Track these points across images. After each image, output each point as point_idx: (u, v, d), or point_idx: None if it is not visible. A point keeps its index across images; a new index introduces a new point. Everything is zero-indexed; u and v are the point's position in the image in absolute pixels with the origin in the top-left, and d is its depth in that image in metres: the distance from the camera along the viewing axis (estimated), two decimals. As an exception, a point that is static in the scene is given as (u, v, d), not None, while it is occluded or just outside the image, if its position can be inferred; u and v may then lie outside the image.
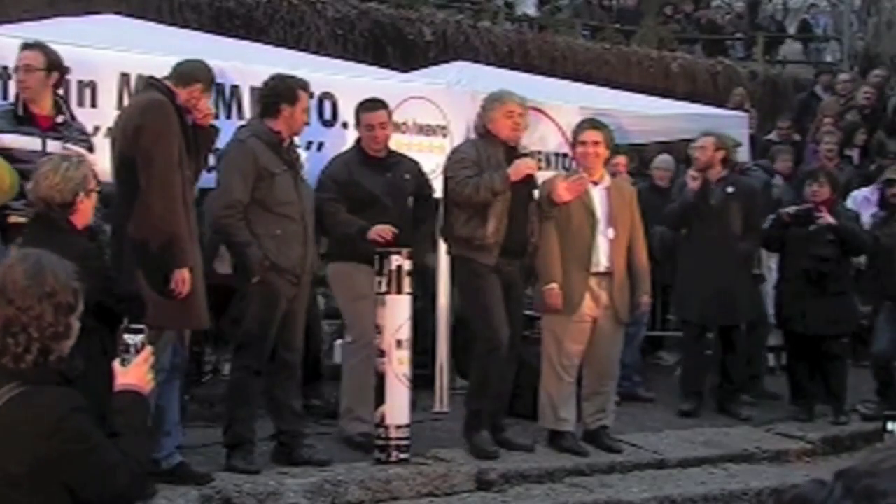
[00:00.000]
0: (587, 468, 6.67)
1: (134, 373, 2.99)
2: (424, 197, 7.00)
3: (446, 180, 6.69)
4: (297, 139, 6.37)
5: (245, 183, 5.95)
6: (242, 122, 6.46)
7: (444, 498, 6.17)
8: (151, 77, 5.87)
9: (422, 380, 7.94)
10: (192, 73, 5.76)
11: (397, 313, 6.33)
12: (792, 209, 8.17)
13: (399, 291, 6.33)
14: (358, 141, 6.77)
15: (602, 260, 6.90)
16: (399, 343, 6.32)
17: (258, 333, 6.02)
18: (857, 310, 8.48)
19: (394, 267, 6.31)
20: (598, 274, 6.89)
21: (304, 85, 6.18)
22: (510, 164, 6.60)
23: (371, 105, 6.72)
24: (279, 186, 6.02)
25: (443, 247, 7.62)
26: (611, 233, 6.92)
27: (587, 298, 6.85)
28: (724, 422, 7.98)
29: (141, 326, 3.12)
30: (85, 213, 4.92)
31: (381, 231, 6.40)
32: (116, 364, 3.02)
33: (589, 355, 6.95)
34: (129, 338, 3.05)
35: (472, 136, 7.01)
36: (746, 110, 12.24)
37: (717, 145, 7.99)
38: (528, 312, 7.57)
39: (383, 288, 6.33)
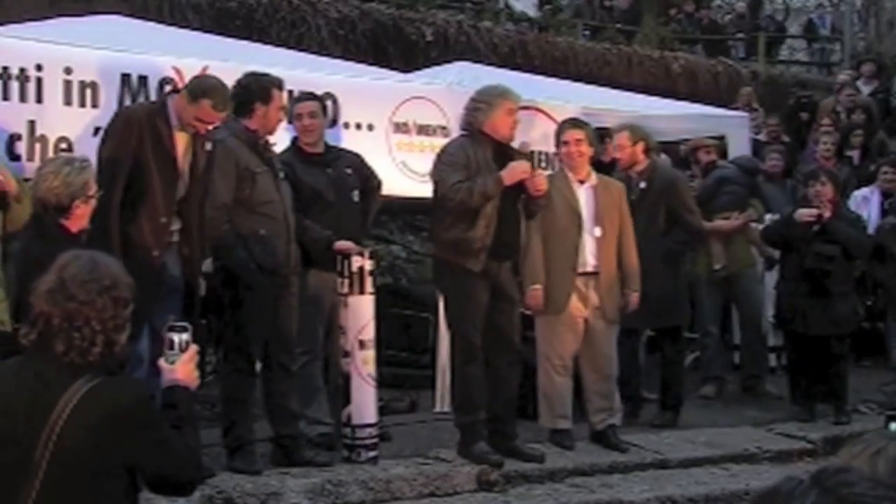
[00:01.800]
0: (589, 468, 6.67)
1: (181, 370, 3.10)
2: (370, 190, 6.82)
3: (435, 184, 6.47)
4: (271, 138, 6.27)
5: (227, 184, 5.90)
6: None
7: (446, 498, 6.17)
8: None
9: (424, 380, 7.96)
10: (202, 89, 5.80)
11: (360, 314, 6.28)
12: (809, 212, 7.88)
13: (362, 292, 6.28)
14: (294, 140, 6.61)
15: (589, 259, 6.87)
16: (362, 343, 6.27)
17: (247, 336, 5.98)
18: (859, 310, 8.47)
19: (355, 268, 6.25)
20: (585, 274, 6.86)
21: (278, 83, 6.11)
22: (499, 162, 6.39)
23: (302, 97, 6.59)
24: (261, 186, 5.97)
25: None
26: (597, 231, 6.88)
27: (575, 299, 6.83)
28: (726, 422, 7.98)
29: (185, 325, 3.19)
30: (81, 217, 4.93)
31: (348, 248, 6.31)
32: (162, 361, 3.11)
33: (584, 355, 6.95)
34: (174, 336, 3.13)
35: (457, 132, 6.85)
36: (754, 109, 12.24)
37: (633, 139, 7.59)
38: (527, 312, 7.54)
39: (345, 289, 6.27)
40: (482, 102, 6.46)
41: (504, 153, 6.47)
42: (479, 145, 6.41)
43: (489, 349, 6.44)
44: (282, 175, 6.17)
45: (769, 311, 9.44)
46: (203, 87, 5.82)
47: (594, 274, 6.89)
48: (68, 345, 2.87)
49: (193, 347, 3.14)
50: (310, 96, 6.64)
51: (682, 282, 7.83)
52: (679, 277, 7.77)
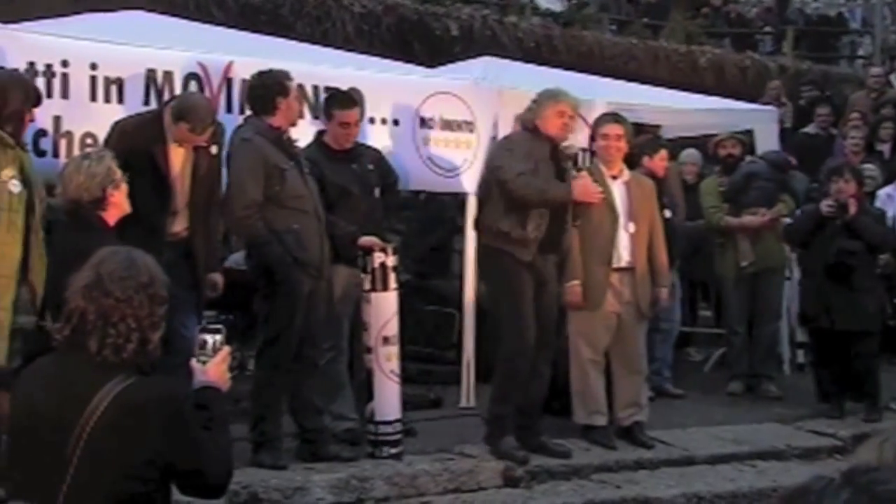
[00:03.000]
0: (614, 464, 6.63)
1: (213, 371, 3.06)
2: (388, 185, 6.87)
3: (494, 169, 6.46)
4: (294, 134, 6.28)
5: (257, 182, 5.91)
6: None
7: (471, 494, 6.14)
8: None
9: (449, 376, 7.94)
10: (180, 111, 5.87)
11: (383, 310, 6.28)
12: (829, 203, 7.85)
13: (385, 288, 6.27)
14: (319, 135, 6.60)
15: (623, 255, 6.87)
16: (385, 339, 6.26)
17: (283, 331, 5.98)
18: (886, 306, 8.36)
19: (377, 264, 6.24)
20: (619, 269, 6.86)
21: (287, 75, 6.15)
22: (554, 161, 6.47)
23: (346, 102, 6.58)
24: (290, 182, 5.97)
25: (470, 238, 7.60)
26: (631, 227, 6.88)
27: (609, 294, 6.82)
28: (753, 418, 7.92)
29: (218, 326, 3.15)
30: (118, 205, 4.94)
31: (371, 243, 6.30)
32: (194, 362, 3.07)
33: (615, 351, 6.93)
34: (207, 337, 3.09)
35: (502, 130, 6.91)
36: (783, 104, 12.14)
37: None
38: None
39: (367, 286, 6.27)
40: (533, 102, 6.57)
41: (558, 155, 6.53)
42: (538, 141, 6.48)
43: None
44: (307, 170, 6.17)
45: (797, 308, 9.36)
46: (182, 108, 5.89)
47: (628, 269, 6.87)
48: (102, 342, 2.84)
49: (226, 349, 3.10)
50: (354, 101, 6.63)
51: None
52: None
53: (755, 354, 8.80)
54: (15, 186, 5.48)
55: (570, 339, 6.95)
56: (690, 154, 9.45)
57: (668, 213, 7.94)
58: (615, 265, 6.84)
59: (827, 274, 7.82)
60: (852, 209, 7.78)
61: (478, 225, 6.78)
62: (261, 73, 6.16)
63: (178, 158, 5.92)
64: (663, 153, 8.29)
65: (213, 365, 3.06)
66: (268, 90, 6.05)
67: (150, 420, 2.81)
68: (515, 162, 6.37)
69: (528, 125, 6.56)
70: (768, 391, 8.59)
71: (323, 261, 6.10)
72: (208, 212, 6.14)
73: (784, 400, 8.45)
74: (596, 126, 7.06)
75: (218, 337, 3.10)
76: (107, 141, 5.86)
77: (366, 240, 6.33)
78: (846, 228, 7.79)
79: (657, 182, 7.88)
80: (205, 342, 3.09)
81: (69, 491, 2.81)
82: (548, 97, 6.54)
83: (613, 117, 7.05)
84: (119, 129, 5.89)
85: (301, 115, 6.32)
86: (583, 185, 6.49)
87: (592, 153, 7.12)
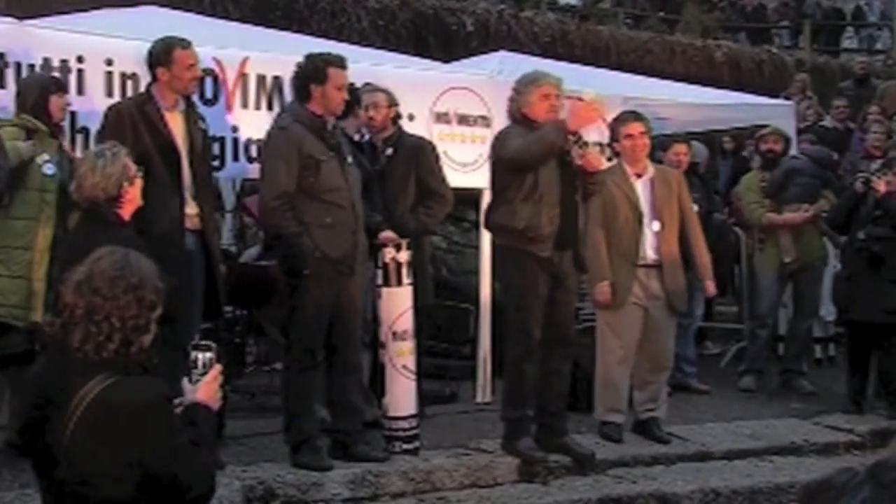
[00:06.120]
0: (631, 460, 6.61)
1: (203, 390, 3.02)
2: None
3: (496, 161, 6.31)
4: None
5: (290, 171, 5.75)
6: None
7: (487, 489, 6.13)
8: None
9: (464, 371, 7.94)
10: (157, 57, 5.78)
11: (394, 305, 6.23)
12: (862, 177, 7.82)
13: (399, 284, 6.23)
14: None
15: (649, 252, 6.83)
16: (396, 335, 6.22)
17: (311, 328, 5.84)
18: None
19: (387, 259, 6.19)
20: (645, 266, 6.82)
21: (335, 61, 5.92)
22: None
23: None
24: (325, 173, 5.81)
25: (486, 234, 7.58)
26: (656, 226, 6.83)
27: (636, 288, 6.78)
28: (770, 414, 7.88)
29: (210, 343, 3.11)
30: (132, 201, 4.97)
31: (388, 238, 6.25)
32: (185, 381, 3.03)
33: (642, 345, 6.88)
34: (199, 354, 3.05)
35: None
36: (808, 97, 12.07)
37: (389, 101, 6.86)
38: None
39: (380, 280, 6.22)
40: (515, 90, 6.37)
41: None
42: (530, 132, 6.23)
43: (544, 341, 6.29)
44: (350, 161, 6.00)
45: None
46: (155, 53, 5.76)
47: (654, 266, 6.83)
48: (84, 337, 2.82)
49: (217, 367, 3.06)
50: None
51: (427, 258, 7.25)
52: (426, 253, 7.19)
53: (788, 350, 8.76)
54: (49, 169, 5.75)
55: (597, 333, 6.93)
56: (695, 147, 9.34)
57: (694, 208, 7.91)
58: (641, 263, 6.79)
59: (856, 261, 7.74)
60: (881, 187, 7.69)
61: (488, 224, 6.59)
62: (305, 57, 5.96)
63: (176, 127, 5.78)
64: (677, 147, 8.25)
65: (204, 384, 3.02)
66: (302, 76, 5.89)
67: (129, 421, 2.77)
68: (511, 140, 6.19)
69: (516, 115, 6.33)
70: (802, 387, 8.54)
71: (356, 257, 5.92)
72: (209, 191, 6.00)
73: (800, 395, 8.41)
74: (617, 126, 6.97)
75: (209, 354, 3.05)
76: (103, 128, 5.75)
77: (385, 235, 6.27)
78: (880, 217, 7.69)
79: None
80: (196, 360, 3.04)
81: (58, 492, 2.81)
82: (528, 82, 6.32)
83: (633, 115, 6.98)
84: (115, 110, 5.77)
85: (341, 105, 6.02)
86: (574, 112, 6.06)
87: (616, 153, 7.04)
